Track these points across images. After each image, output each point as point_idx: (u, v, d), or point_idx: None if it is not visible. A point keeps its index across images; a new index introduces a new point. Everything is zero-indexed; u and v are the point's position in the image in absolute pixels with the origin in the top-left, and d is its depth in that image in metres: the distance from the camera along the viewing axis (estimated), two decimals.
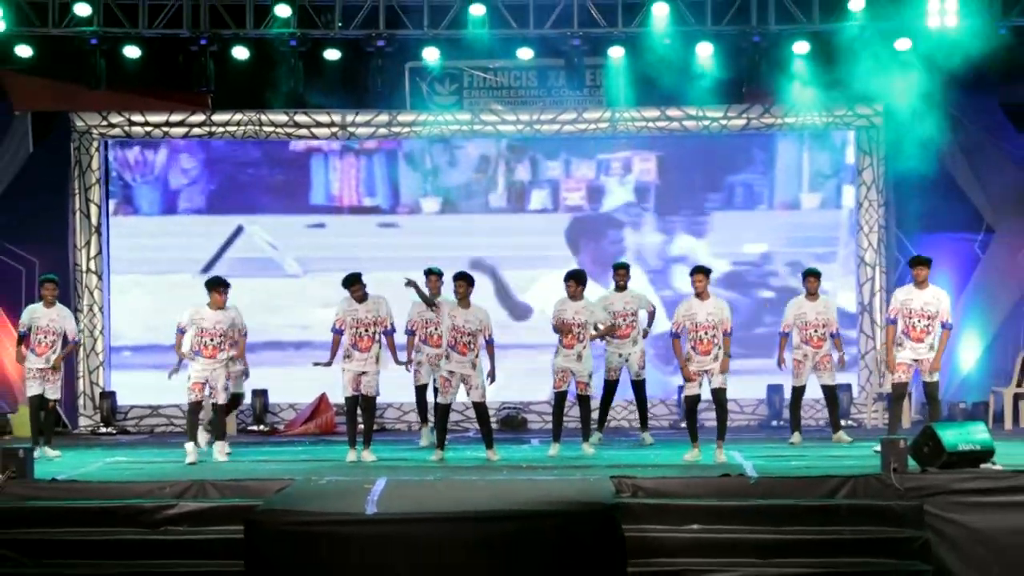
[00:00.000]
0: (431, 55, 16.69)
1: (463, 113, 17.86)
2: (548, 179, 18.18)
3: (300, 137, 17.95)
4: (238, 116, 17.78)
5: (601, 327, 14.21)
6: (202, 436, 14.04)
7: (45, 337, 14.23)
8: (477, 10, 15.97)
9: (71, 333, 14.42)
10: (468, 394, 13.58)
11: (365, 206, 18.17)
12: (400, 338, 14.08)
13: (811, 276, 14.75)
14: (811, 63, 16.50)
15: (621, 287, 14.89)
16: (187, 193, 18.12)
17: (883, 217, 17.79)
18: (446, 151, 18.16)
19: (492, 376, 13.48)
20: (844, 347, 14.96)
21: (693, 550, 10.56)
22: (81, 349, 17.41)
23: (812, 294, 14.70)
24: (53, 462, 13.54)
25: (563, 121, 17.85)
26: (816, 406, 16.65)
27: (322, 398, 17.05)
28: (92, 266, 17.77)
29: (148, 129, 17.80)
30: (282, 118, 17.80)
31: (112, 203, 18.00)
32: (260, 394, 17.20)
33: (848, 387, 17.08)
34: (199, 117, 17.76)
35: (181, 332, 13.62)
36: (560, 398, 14.09)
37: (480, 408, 13.58)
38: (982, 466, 11.38)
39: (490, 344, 13.45)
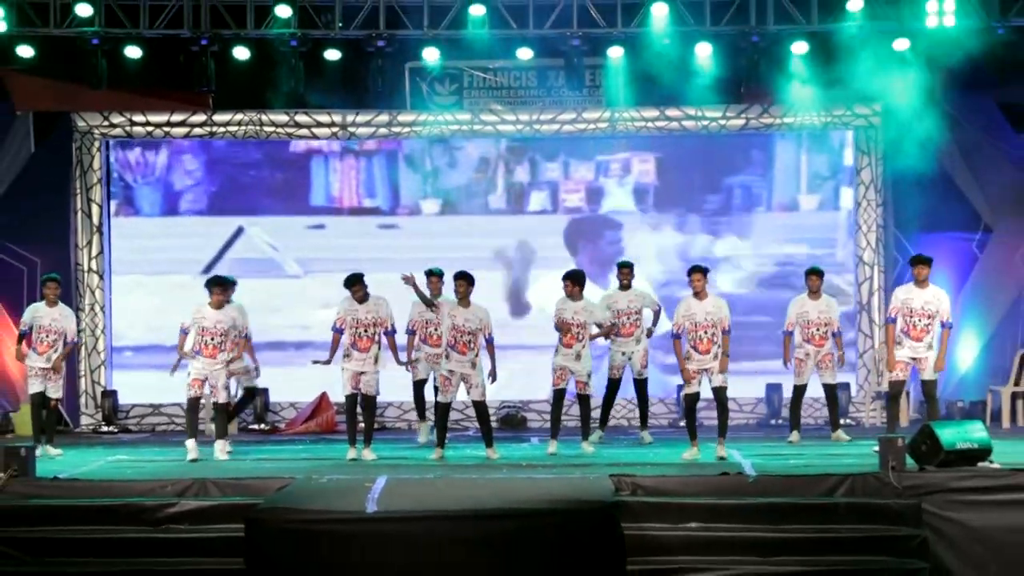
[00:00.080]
0: (431, 55, 16.72)
1: (463, 113, 17.89)
2: (547, 180, 18.23)
3: (301, 137, 17.99)
4: (239, 116, 17.82)
5: (602, 326, 14.28)
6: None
7: (47, 336, 14.26)
8: (477, 10, 16.00)
9: (70, 334, 14.42)
10: (468, 393, 13.62)
11: (365, 207, 18.21)
12: (401, 338, 14.12)
13: (813, 275, 14.77)
14: (810, 63, 16.52)
15: (625, 286, 14.93)
16: (188, 194, 18.17)
17: (881, 216, 17.84)
18: (446, 152, 18.21)
19: (493, 375, 13.51)
20: (843, 346, 14.99)
21: (692, 548, 10.59)
22: (83, 348, 17.48)
23: (814, 292, 14.71)
24: (55, 460, 13.56)
25: (563, 121, 17.90)
26: (815, 405, 16.70)
27: (323, 397, 17.10)
28: (94, 266, 17.82)
29: (149, 129, 17.85)
30: (283, 118, 17.85)
31: (113, 204, 18.05)
32: (261, 393, 17.23)
33: (847, 386, 17.10)
34: (200, 117, 17.80)
35: (184, 333, 13.69)
36: (558, 396, 14.13)
37: (480, 407, 13.62)
38: (980, 464, 11.41)
39: (490, 343, 13.48)
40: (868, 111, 17.65)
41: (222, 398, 13.77)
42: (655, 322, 15.04)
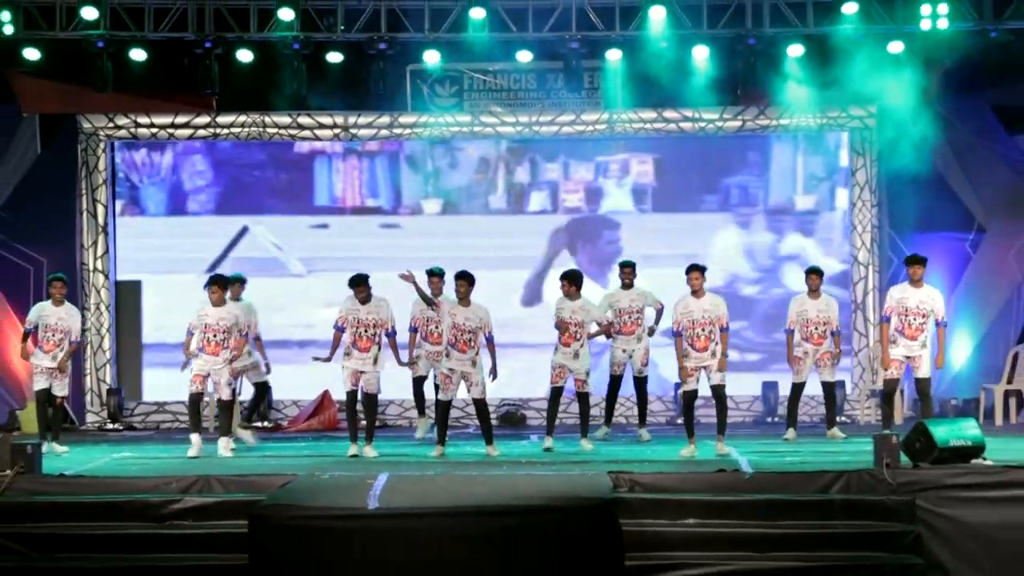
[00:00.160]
0: (432, 58, 16.81)
1: (463, 115, 17.97)
2: (547, 180, 18.34)
3: (303, 138, 18.11)
4: (242, 118, 17.95)
5: (601, 325, 14.43)
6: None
7: (53, 335, 14.28)
8: (477, 13, 16.03)
9: (75, 333, 14.40)
10: (468, 391, 13.70)
11: (368, 207, 18.32)
12: (403, 335, 14.20)
13: (813, 274, 14.82)
14: (805, 65, 16.59)
15: (627, 284, 15.00)
16: (193, 194, 18.29)
17: (876, 217, 17.93)
18: (447, 153, 18.33)
19: (494, 373, 13.59)
20: (840, 345, 15.08)
21: (689, 544, 10.64)
22: (88, 347, 17.60)
23: (814, 291, 14.76)
24: (61, 458, 13.59)
25: (562, 123, 18.01)
26: (811, 402, 16.80)
27: (325, 395, 17.22)
28: (99, 265, 17.95)
29: (154, 131, 17.97)
30: (285, 120, 17.96)
31: (119, 204, 18.17)
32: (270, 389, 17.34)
33: (842, 384, 17.16)
34: (204, 119, 17.91)
35: (190, 334, 13.77)
36: (556, 393, 14.24)
37: (480, 405, 13.70)
38: (973, 461, 11.43)
39: (490, 342, 13.55)
40: (863, 113, 17.75)
41: (225, 395, 13.81)
42: (657, 320, 15.13)
